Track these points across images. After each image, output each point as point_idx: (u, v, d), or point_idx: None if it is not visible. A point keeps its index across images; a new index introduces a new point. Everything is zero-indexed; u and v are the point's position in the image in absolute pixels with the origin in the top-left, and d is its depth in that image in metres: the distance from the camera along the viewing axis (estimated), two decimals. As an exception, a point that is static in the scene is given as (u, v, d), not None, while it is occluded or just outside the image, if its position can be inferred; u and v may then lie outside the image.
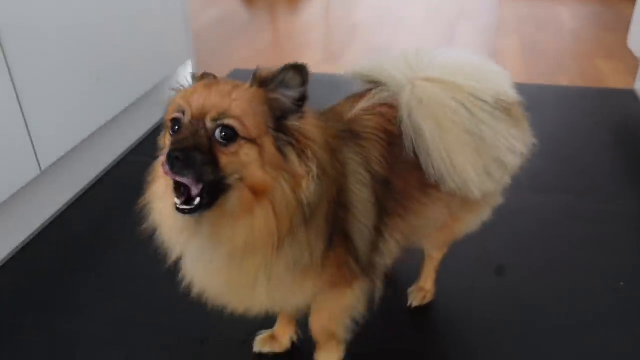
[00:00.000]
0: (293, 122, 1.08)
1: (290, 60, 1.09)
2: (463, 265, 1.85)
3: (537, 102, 3.13)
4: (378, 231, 1.29)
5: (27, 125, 1.88)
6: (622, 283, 1.82)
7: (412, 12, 4.69)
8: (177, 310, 1.69)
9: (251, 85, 1.08)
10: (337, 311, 1.36)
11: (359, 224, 1.24)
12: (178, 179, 0.99)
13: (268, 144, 1.04)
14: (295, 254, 1.12)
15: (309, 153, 1.08)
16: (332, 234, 1.17)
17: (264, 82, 1.08)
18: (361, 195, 1.23)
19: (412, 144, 1.29)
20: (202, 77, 1.15)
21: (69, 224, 2.13)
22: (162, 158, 1.02)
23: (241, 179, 1.03)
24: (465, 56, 1.42)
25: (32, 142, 1.90)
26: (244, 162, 1.03)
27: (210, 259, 1.12)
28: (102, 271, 1.89)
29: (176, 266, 1.23)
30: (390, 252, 1.35)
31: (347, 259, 1.25)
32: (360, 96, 1.37)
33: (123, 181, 2.42)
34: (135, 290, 1.79)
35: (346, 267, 1.25)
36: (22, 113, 1.86)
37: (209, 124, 1.01)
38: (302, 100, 1.08)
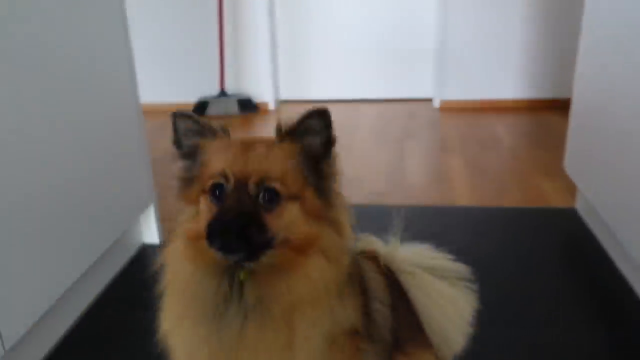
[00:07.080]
0: (325, 169, 1.08)
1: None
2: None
3: (484, 224, 3.24)
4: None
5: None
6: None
7: (359, 138, 4.84)
8: None
9: (279, 141, 1.07)
10: None
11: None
12: (234, 247, 0.99)
13: (309, 194, 1.05)
14: (341, 314, 1.08)
15: (342, 198, 1.11)
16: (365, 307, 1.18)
17: (289, 133, 1.07)
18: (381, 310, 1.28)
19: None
20: (214, 133, 1.12)
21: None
22: (196, 224, 1.06)
23: (286, 240, 1.02)
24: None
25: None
26: (288, 221, 1.02)
27: (248, 322, 1.04)
28: None
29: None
30: None
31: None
32: None
33: (91, 337, 2.36)
34: None
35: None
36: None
37: (252, 189, 1.02)
38: (328, 143, 1.08)
